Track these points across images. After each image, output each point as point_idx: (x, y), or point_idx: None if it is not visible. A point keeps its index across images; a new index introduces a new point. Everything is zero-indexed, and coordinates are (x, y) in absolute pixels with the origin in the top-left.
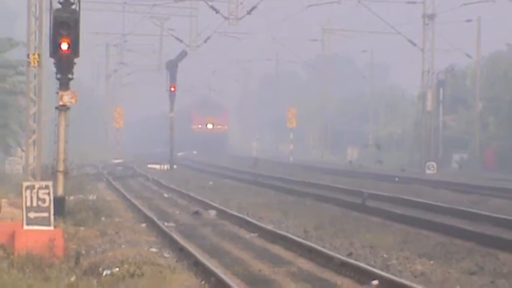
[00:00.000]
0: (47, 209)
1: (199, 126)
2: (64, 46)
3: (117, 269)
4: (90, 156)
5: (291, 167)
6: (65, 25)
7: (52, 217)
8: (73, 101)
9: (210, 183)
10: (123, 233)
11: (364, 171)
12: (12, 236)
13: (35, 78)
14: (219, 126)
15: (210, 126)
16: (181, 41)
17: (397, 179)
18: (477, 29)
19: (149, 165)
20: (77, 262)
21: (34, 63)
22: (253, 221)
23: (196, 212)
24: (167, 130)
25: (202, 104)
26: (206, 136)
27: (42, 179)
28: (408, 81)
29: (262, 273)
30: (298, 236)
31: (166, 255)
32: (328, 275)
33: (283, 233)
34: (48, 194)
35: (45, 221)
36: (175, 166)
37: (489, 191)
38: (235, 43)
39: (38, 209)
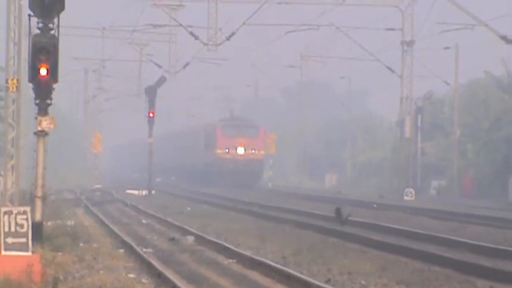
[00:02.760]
0: (25, 235)
1: (227, 150)
2: (43, 71)
3: None
4: (68, 181)
5: (269, 192)
6: (44, 50)
7: (30, 242)
8: (51, 126)
9: (188, 208)
10: (101, 259)
11: (343, 198)
12: None
13: (13, 103)
14: (253, 151)
15: (241, 151)
16: (160, 66)
17: (375, 205)
18: (455, 56)
19: (127, 191)
20: None
21: (13, 88)
22: (231, 247)
23: (173, 239)
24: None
25: (230, 121)
26: (236, 165)
27: (20, 204)
28: (387, 108)
29: None
30: (277, 262)
31: (144, 281)
32: None
33: (262, 259)
34: (26, 219)
35: (23, 247)
36: (153, 191)
37: (467, 218)
38: (215, 69)
39: (16, 234)
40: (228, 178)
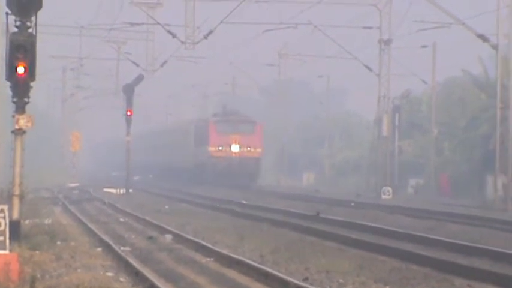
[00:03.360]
0: (3, 233)
1: (220, 148)
2: (20, 70)
3: None
4: (46, 180)
5: (247, 191)
6: (21, 48)
7: (7, 241)
8: (29, 124)
9: (166, 207)
10: (78, 257)
11: (321, 196)
12: None
13: None
14: (249, 149)
15: (235, 148)
16: (137, 65)
17: (353, 204)
18: (433, 55)
19: (105, 189)
20: (32, 286)
21: None
22: (209, 245)
23: (151, 237)
24: (137, 153)
25: (223, 115)
26: (230, 164)
27: None
28: (365, 106)
29: None
30: (254, 261)
31: (122, 279)
32: None
33: (239, 257)
34: (4, 217)
35: (0, 245)
36: (131, 190)
37: (445, 217)
38: (192, 67)
39: None
40: (222, 178)
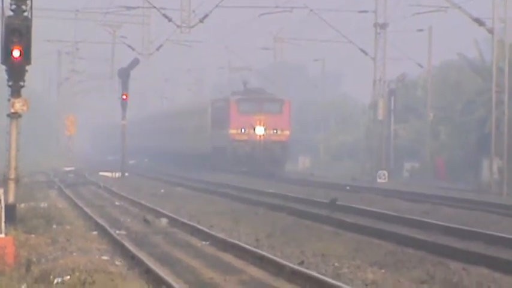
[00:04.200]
0: None
1: (242, 130)
2: (16, 53)
3: (69, 276)
4: (41, 163)
5: (243, 175)
6: (17, 32)
7: (3, 225)
8: (25, 108)
9: (162, 191)
10: (74, 241)
11: (316, 180)
12: None
13: None
14: (275, 131)
15: (260, 130)
16: (133, 49)
17: (348, 187)
18: (428, 39)
19: (101, 173)
20: (27, 270)
21: None
22: (205, 229)
23: (147, 221)
24: (135, 137)
25: (246, 93)
26: (254, 148)
27: None
28: (360, 90)
29: (213, 282)
30: (250, 245)
31: (117, 263)
32: (279, 283)
33: (235, 241)
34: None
35: None
36: (126, 174)
37: (440, 200)
38: (188, 51)
39: None
40: (244, 164)
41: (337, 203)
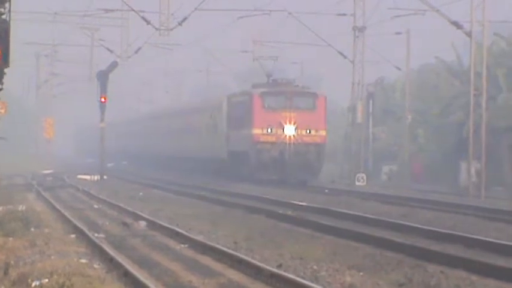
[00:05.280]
0: None
1: (268, 130)
2: None
3: (47, 280)
4: (20, 166)
5: (221, 178)
6: None
7: None
8: (2, 111)
9: (140, 193)
10: (52, 244)
11: (294, 183)
12: None
13: None
14: (308, 131)
15: (290, 130)
16: (111, 51)
17: (327, 190)
18: (406, 42)
19: (79, 176)
20: (5, 273)
21: None
22: (183, 232)
23: (125, 224)
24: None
25: (273, 86)
26: (283, 152)
27: None
28: (339, 93)
29: (192, 285)
30: (228, 247)
31: (96, 266)
32: (257, 286)
33: (213, 244)
34: None
35: None
36: (105, 177)
37: (418, 203)
38: (167, 54)
39: None
40: (270, 171)
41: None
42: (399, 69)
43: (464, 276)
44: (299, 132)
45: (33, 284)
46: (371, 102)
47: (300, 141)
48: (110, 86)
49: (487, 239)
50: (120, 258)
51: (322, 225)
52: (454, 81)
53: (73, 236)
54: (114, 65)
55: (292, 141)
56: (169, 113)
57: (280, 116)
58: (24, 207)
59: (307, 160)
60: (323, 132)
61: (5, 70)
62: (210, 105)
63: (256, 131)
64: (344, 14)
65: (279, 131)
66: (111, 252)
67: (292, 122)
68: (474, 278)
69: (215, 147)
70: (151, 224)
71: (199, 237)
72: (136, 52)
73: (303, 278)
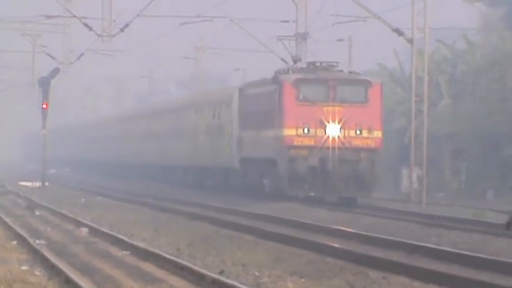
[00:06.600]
0: None
1: (304, 131)
2: None
3: None
4: None
5: (164, 185)
6: None
7: None
8: None
9: (82, 200)
10: None
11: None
12: None
13: None
14: (359, 132)
15: (335, 131)
16: (53, 58)
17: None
18: (349, 49)
19: (20, 183)
20: None
21: None
22: (125, 238)
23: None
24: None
25: (310, 71)
26: (325, 159)
27: None
28: None
29: None
30: (170, 254)
31: (37, 272)
32: None
33: (155, 250)
34: None
35: None
36: (47, 183)
37: (360, 209)
38: (109, 60)
39: None
40: (308, 186)
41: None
42: None
43: (406, 282)
44: (346, 134)
45: None
46: None
47: (348, 145)
48: (52, 92)
49: (428, 245)
50: (61, 265)
51: (265, 231)
52: (396, 88)
53: (14, 242)
54: (56, 72)
55: (337, 146)
56: (147, 113)
57: (321, 112)
58: None
59: (358, 171)
60: (378, 134)
61: None
62: (212, 101)
63: (288, 132)
64: (286, 21)
65: (319, 132)
66: (53, 259)
67: (337, 120)
68: (416, 284)
69: (219, 154)
70: (94, 231)
71: (142, 244)
72: (78, 58)
73: (245, 284)
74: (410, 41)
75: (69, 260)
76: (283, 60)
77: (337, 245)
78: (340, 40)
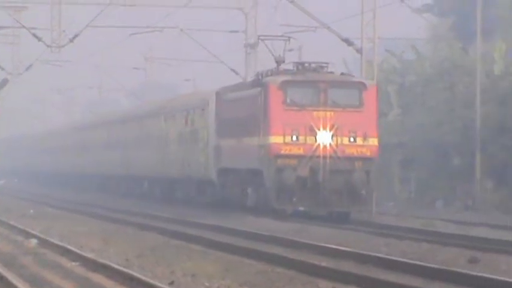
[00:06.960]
0: None
1: (293, 138)
2: None
3: None
4: None
5: (114, 195)
6: None
7: None
8: None
9: (31, 211)
10: None
11: (185, 200)
12: None
13: None
14: (354, 140)
15: (326, 138)
16: (2, 68)
17: None
18: (299, 58)
19: None
20: None
21: None
22: (75, 249)
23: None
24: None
25: (299, 73)
26: (316, 170)
27: None
28: None
29: None
30: (120, 265)
31: None
32: None
33: (105, 261)
34: None
35: None
36: None
37: (309, 220)
38: (58, 71)
39: None
40: (297, 200)
41: None
42: None
43: None
44: (339, 141)
45: None
46: None
47: (341, 154)
48: (1, 103)
49: (378, 254)
50: (10, 277)
51: (214, 241)
52: None
53: None
54: (4, 82)
55: (328, 154)
56: (108, 121)
57: (311, 117)
58: None
59: (352, 183)
60: (374, 141)
61: None
62: (185, 106)
63: (275, 140)
64: (236, 31)
65: (309, 140)
66: (1, 270)
67: (329, 126)
68: None
69: (192, 164)
70: (43, 242)
71: (91, 255)
72: (27, 69)
73: None
74: (359, 51)
75: (18, 272)
76: (233, 70)
77: (287, 255)
78: (290, 50)
